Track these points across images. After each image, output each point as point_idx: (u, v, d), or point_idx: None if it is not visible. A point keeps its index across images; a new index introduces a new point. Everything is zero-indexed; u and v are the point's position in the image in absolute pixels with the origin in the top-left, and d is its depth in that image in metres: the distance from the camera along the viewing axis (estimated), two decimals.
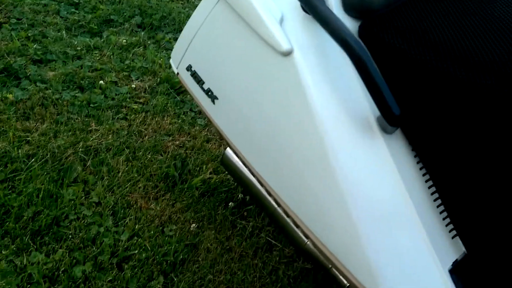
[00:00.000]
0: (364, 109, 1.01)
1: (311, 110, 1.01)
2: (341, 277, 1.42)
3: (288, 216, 1.23)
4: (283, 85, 1.05)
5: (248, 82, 1.12)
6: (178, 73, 1.38)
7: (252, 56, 1.10)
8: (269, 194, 1.25)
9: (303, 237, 1.45)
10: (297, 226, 1.23)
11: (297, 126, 1.02)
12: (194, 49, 1.28)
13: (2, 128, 1.84)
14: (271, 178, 1.14)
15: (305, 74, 1.02)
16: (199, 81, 1.27)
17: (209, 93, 1.25)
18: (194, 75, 1.29)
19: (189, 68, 1.31)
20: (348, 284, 1.39)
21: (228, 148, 1.61)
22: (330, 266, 1.43)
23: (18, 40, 2.33)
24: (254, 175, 1.50)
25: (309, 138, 1.01)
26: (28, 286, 1.39)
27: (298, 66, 1.02)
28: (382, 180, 0.99)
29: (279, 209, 1.50)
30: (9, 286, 1.37)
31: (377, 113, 1.01)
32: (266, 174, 1.16)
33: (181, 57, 1.34)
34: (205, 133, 2.09)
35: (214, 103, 1.24)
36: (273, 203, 1.51)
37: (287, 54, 1.03)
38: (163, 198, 1.76)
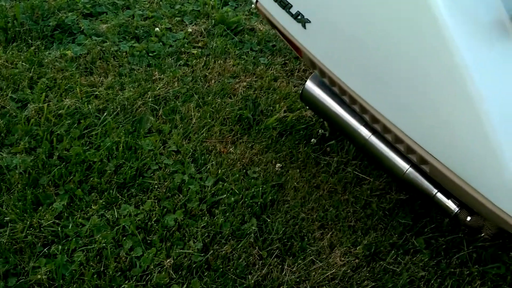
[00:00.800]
0: (495, 9, 0.88)
1: (433, 14, 0.88)
2: (448, 203, 1.34)
3: (400, 141, 1.13)
4: None
5: None
6: (257, 1, 1.27)
7: None
8: (374, 121, 1.15)
9: (402, 166, 1.37)
10: (410, 152, 1.13)
11: (417, 34, 0.90)
12: None
13: (68, 85, 1.79)
14: (381, 103, 1.05)
15: None
16: (286, 5, 1.16)
17: (299, 17, 1.13)
18: None
19: None
20: (457, 210, 1.31)
21: (308, 82, 1.52)
22: (435, 192, 1.35)
23: None
24: (344, 105, 1.40)
25: (432, 48, 0.89)
26: (124, 238, 1.38)
27: None
28: None
29: (371, 139, 1.42)
30: (105, 239, 1.36)
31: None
32: (375, 99, 1.06)
33: None
34: (271, 71, 1.98)
35: (305, 28, 1.13)
36: (364, 133, 1.43)
37: None
38: (241, 140, 1.69)
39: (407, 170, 1.35)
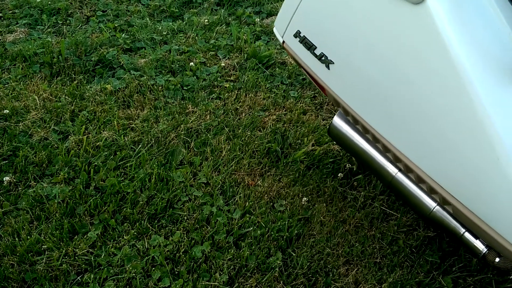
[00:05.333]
0: None
1: (452, 61, 0.90)
2: (476, 243, 1.31)
3: (422, 181, 1.14)
4: (416, 38, 0.95)
5: (373, 39, 1.03)
6: (283, 42, 1.32)
7: (377, 10, 1.01)
8: (397, 160, 1.16)
9: (429, 204, 1.36)
10: (433, 192, 1.14)
11: (437, 80, 0.93)
12: (302, 13, 1.21)
13: (107, 118, 1.89)
14: (403, 143, 1.06)
15: (443, 22, 0.91)
16: (310, 47, 1.20)
17: (323, 58, 1.17)
18: (304, 41, 1.22)
19: (297, 34, 1.24)
20: (485, 250, 1.29)
21: (335, 118, 1.54)
22: (462, 232, 1.33)
23: (107, 31, 2.38)
24: (371, 142, 1.41)
25: (453, 93, 0.91)
26: (153, 269, 1.42)
27: (434, 14, 0.91)
28: None
29: (398, 176, 1.42)
30: (135, 269, 1.40)
31: None
32: (397, 139, 1.07)
33: (287, 24, 1.27)
34: (300, 105, 2.02)
35: (328, 68, 1.17)
36: (391, 170, 1.43)
37: (419, 2, 0.93)
38: (269, 173, 1.73)
39: (433, 208, 1.34)
